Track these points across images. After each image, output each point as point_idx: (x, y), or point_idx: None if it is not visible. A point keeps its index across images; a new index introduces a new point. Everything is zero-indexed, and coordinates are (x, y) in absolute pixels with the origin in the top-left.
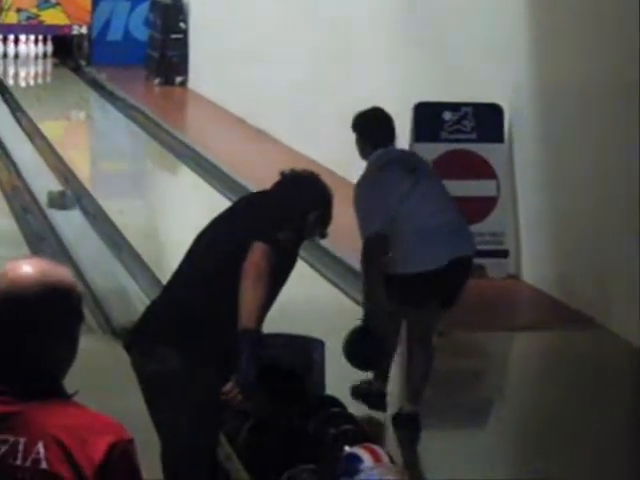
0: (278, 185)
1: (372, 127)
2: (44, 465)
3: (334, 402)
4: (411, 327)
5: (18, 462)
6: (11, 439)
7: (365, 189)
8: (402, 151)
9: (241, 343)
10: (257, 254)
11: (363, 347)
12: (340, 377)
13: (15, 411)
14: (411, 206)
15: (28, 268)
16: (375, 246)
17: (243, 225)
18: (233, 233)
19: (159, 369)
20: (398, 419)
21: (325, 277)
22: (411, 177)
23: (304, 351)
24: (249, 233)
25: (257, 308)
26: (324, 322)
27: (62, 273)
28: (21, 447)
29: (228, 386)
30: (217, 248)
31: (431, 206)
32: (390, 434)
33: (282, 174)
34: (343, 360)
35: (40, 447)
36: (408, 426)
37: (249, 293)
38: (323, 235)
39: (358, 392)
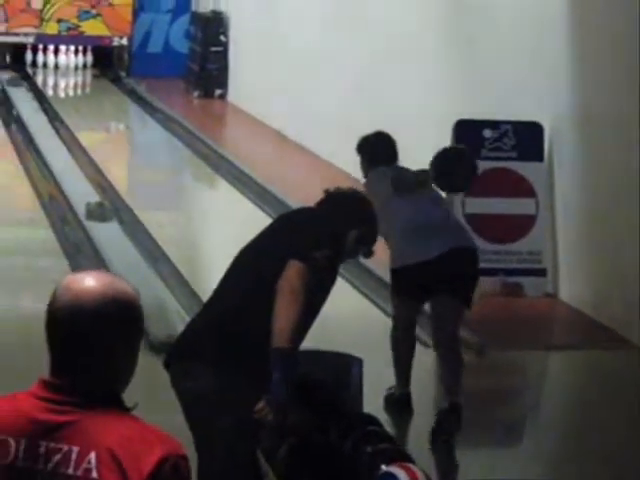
0: (321, 203)
1: (372, 149)
2: (94, 475)
3: (371, 420)
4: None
5: (70, 471)
6: (65, 448)
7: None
8: (397, 169)
9: (273, 362)
10: (292, 272)
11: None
12: (378, 395)
13: (71, 420)
14: (394, 207)
15: (91, 281)
16: None
17: (282, 243)
18: (272, 251)
19: (198, 387)
20: (440, 419)
21: (357, 289)
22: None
23: (342, 369)
24: (287, 251)
25: (290, 327)
26: (354, 336)
27: (124, 286)
28: (74, 456)
29: (260, 405)
30: (257, 266)
31: (416, 207)
32: (425, 451)
33: (326, 192)
34: (380, 377)
35: (92, 457)
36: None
37: (282, 312)
38: (367, 254)
39: (389, 401)
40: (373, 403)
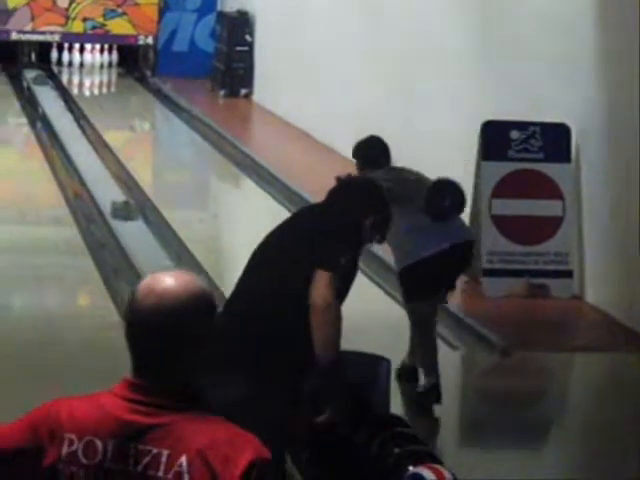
0: (333, 194)
1: (365, 152)
2: (186, 478)
3: (399, 421)
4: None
5: (160, 474)
6: (154, 450)
7: None
8: (387, 171)
9: (327, 378)
10: (322, 284)
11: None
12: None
13: (159, 423)
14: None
15: (172, 281)
16: None
17: (307, 249)
18: (298, 257)
19: (224, 393)
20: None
21: (383, 289)
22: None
23: (370, 370)
24: (313, 260)
25: (335, 341)
26: (381, 337)
27: (202, 283)
28: (164, 459)
29: (323, 418)
30: (282, 270)
31: (415, 210)
32: (452, 452)
33: (338, 179)
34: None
35: (183, 460)
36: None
37: (324, 329)
38: (380, 240)
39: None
40: (400, 404)
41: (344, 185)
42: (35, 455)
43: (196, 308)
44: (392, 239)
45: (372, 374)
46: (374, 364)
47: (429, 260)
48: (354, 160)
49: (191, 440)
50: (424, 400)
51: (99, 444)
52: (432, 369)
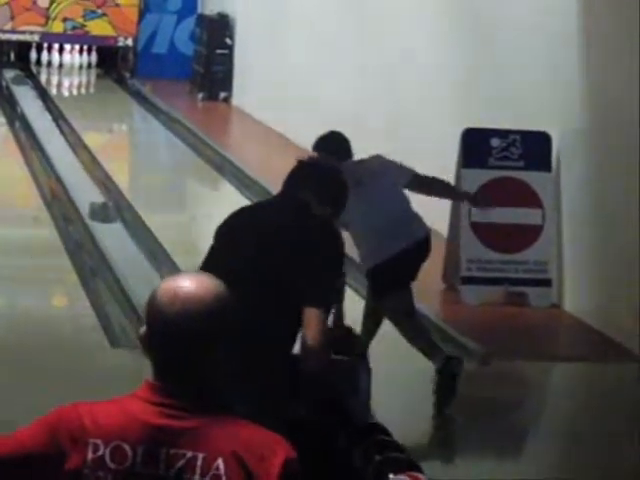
0: (297, 178)
1: (329, 147)
2: None
3: (380, 429)
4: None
5: (196, 477)
6: (188, 454)
7: None
8: (350, 165)
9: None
10: (314, 325)
11: None
12: (389, 404)
13: (191, 426)
14: (354, 215)
15: (195, 284)
16: None
17: (290, 277)
18: (283, 288)
19: None
20: None
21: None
22: (354, 190)
23: (350, 375)
24: (301, 294)
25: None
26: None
27: (221, 285)
28: (199, 462)
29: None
30: (263, 297)
31: (376, 210)
32: (433, 460)
33: (300, 162)
34: (390, 385)
35: (220, 463)
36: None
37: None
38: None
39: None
40: (381, 410)
41: (308, 173)
42: (56, 460)
43: (221, 311)
44: (356, 236)
45: (353, 380)
46: (354, 369)
47: (396, 258)
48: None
49: (225, 442)
50: (449, 373)
51: (128, 449)
52: (434, 345)
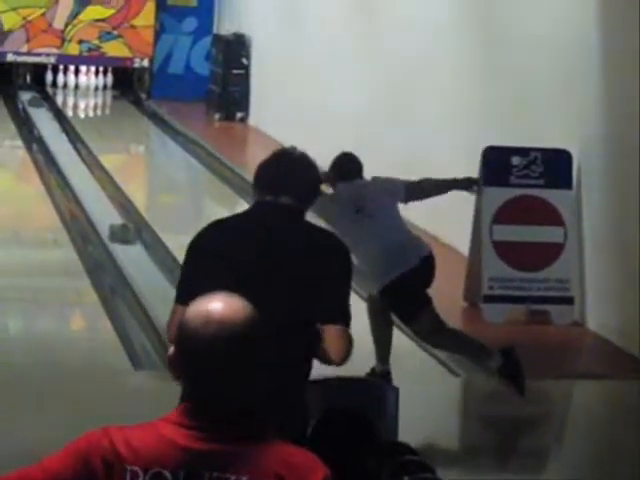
0: (280, 174)
1: (343, 167)
2: None
3: (409, 450)
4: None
5: None
6: (232, 477)
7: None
8: (351, 190)
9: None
10: (339, 342)
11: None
12: (413, 424)
13: (232, 449)
14: (357, 242)
15: (227, 306)
16: None
17: (304, 295)
18: (297, 306)
19: None
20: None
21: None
22: (356, 217)
23: (377, 397)
24: (318, 312)
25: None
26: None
27: (249, 306)
28: None
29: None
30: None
31: (379, 239)
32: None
33: (276, 154)
34: (417, 407)
35: None
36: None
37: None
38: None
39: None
40: (409, 432)
41: (290, 168)
42: None
43: (254, 332)
44: (363, 257)
45: (380, 401)
46: (381, 391)
47: (405, 277)
48: (330, 172)
49: (267, 464)
50: (512, 364)
51: (169, 475)
52: (482, 348)
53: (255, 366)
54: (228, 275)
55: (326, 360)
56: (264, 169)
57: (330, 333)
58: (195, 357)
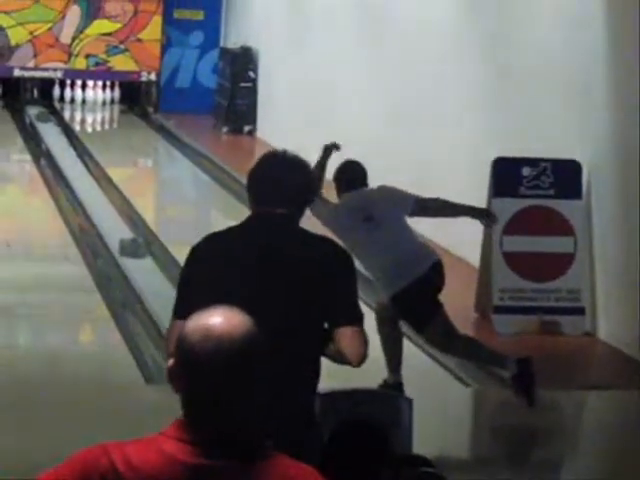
0: (274, 177)
1: (348, 176)
2: None
3: (424, 462)
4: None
5: None
6: None
7: (326, 222)
8: (359, 198)
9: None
10: (356, 342)
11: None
12: (426, 435)
13: (233, 464)
14: (365, 251)
15: (226, 319)
16: None
17: (310, 304)
18: (309, 300)
19: None
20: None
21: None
22: (365, 225)
23: (391, 408)
24: (330, 316)
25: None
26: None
27: (250, 319)
28: None
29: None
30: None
31: (388, 248)
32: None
33: (268, 156)
34: (431, 419)
35: None
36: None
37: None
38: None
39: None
40: (422, 443)
41: (283, 172)
42: None
43: (254, 347)
44: (373, 266)
45: (394, 413)
46: (396, 403)
47: (418, 282)
48: (335, 181)
49: (268, 479)
50: (527, 374)
51: None
52: (496, 355)
53: (254, 381)
54: (226, 288)
55: (343, 362)
56: (255, 179)
57: (346, 335)
58: (194, 372)
